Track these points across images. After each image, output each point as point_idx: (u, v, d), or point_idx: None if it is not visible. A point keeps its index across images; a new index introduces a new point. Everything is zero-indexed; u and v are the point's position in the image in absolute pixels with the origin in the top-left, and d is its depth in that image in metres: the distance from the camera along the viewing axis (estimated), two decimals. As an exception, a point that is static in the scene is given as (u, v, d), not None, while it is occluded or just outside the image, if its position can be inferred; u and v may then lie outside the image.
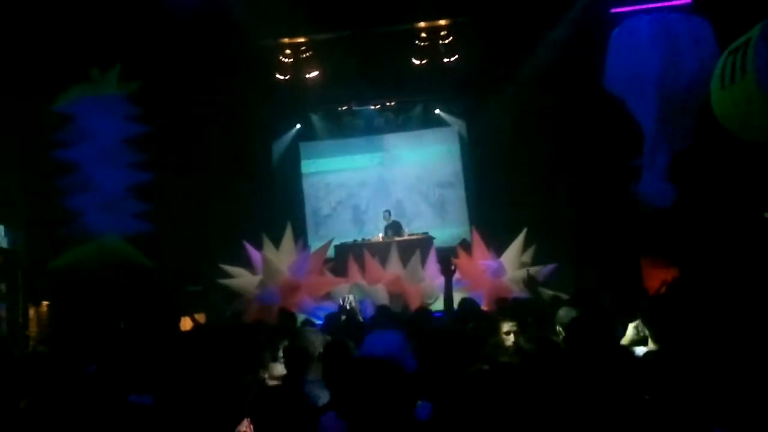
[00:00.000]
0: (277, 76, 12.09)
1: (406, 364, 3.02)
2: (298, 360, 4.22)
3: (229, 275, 10.26)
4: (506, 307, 5.85)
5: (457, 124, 13.46)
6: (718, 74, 7.48)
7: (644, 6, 9.92)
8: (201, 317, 9.04)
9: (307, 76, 12.12)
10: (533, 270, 9.08)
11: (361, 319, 7.11)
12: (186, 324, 8.93)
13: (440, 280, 9.76)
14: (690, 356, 2.89)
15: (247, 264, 10.40)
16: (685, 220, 9.44)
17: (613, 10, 10.21)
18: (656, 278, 8.95)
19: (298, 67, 12.08)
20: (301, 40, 11.98)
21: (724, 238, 9.51)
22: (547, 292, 8.16)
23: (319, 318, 7.73)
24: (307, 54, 12.04)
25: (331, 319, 6.47)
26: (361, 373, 2.46)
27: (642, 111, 8.85)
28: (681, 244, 9.60)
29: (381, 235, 11.40)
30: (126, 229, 9.52)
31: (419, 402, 2.72)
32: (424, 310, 6.45)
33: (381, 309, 6.58)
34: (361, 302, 8.68)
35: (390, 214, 11.87)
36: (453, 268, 5.68)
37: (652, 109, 8.64)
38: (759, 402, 2.54)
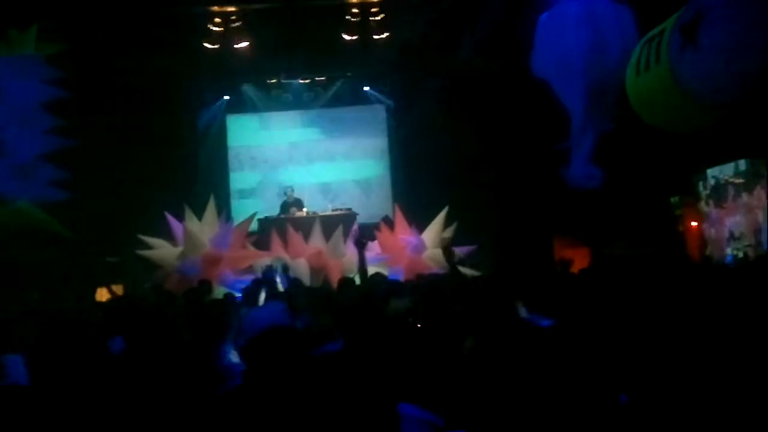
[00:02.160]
0: (206, 44, 11.86)
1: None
2: (212, 327, 4.32)
3: (148, 246, 10.10)
4: (420, 283, 6.01)
5: (385, 102, 13.54)
6: (634, 62, 7.80)
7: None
8: (119, 288, 8.93)
9: (237, 46, 11.92)
10: (448, 238, 9.28)
11: (281, 290, 7.16)
12: (102, 295, 8.82)
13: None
14: (590, 328, 3.08)
15: (168, 236, 10.26)
16: (595, 201, 9.81)
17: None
18: (566, 256, 9.34)
19: (227, 37, 11.85)
20: (232, 9, 11.76)
21: (632, 221, 9.97)
22: (467, 271, 8.39)
23: (239, 291, 7.75)
24: (237, 24, 11.82)
25: (249, 292, 6.51)
26: (255, 347, 2.55)
27: (568, 95, 9.09)
28: (592, 224, 10.00)
29: (302, 209, 11.38)
30: (41, 197, 9.27)
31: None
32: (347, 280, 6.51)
33: (294, 281, 6.66)
34: (281, 275, 8.73)
35: (293, 190, 11.71)
36: (364, 241, 5.80)
37: (577, 94, 8.89)
38: (661, 368, 2.69)
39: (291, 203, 11.46)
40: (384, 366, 2.82)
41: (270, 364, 2.52)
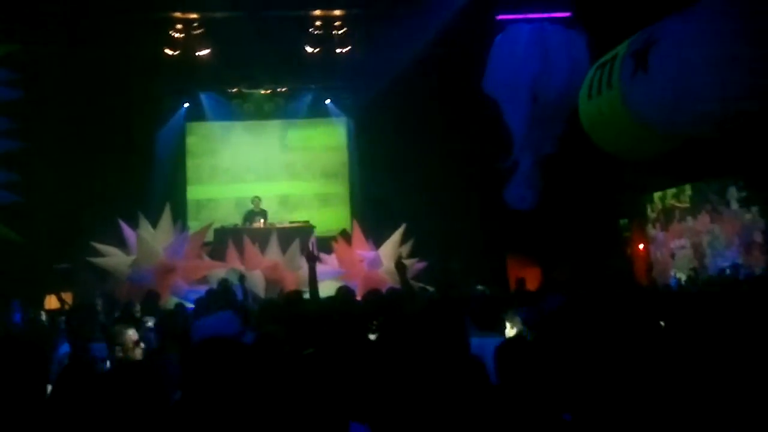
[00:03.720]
0: (166, 51, 11.75)
1: (244, 339, 3.09)
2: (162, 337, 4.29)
3: (101, 254, 9.91)
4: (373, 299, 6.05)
5: (345, 116, 13.60)
6: (586, 86, 7.98)
7: (527, 15, 10.36)
8: (68, 296, 8.74)
9: (198, 54, 11.84)
10: (403, 254, 9.35)
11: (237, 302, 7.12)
12: (51, 303, 8.63)
13: (319, 268, 9.87)
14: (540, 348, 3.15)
15: (121, 244, 10.10)
16: (548, 221, 10.01)
17: (499, 17, 10.61)
18: (519, 275, 9.51)
19: (188, 44, 11.76)
20: (194, 15, 11.69)
21: (583, 241, 10.19)
22: (416, 284, 8.46)
23: (191, 301, 7.67)
24: (199, 31, 11.75)
25: (201, 303, 6.47)
26: (199, 355, 2.54)
27: (513, 116, 9.30)
28: (544, 244, 10.18)
29: (262, 221, 11.34)
30: (-9, 200, 9.05)
31: None
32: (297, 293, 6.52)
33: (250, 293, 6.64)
34: (238, 286, 8.68)
35: (260, 200, 11.71)
36: (317, 254, 5.81)
37: (522, 115, 9.10)
38: (603, 387, 2.77)
39: (256, 213, 11.42)
40: (339, 380, 2.84)
41: (207, 375, 2.50)
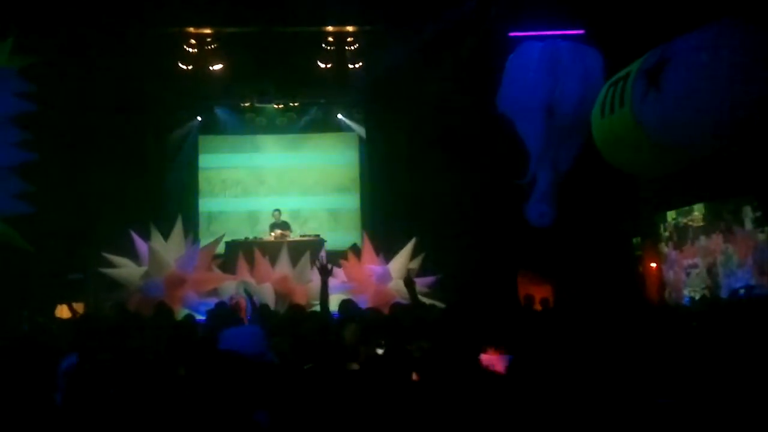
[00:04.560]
0: (180, 65, 11.86)
1: (265, 359, 3.11)
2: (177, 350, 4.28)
3: (112, 265, 9.97)
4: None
5: (357, 131, 13.65)
6: (599, 104, 7.95)
7: (539, 33, 10.38)
8: (79, 307, 8.78)
9: (211, 68, 11.94)
10: (413, 270, 9.35)
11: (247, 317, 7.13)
12: (63, 312, 8.67)
13: (329, 282, 9.86)
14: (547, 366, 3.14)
15: (132, 255, 10.16)
16: (560, 238, 9.96)
17: (511, 34, 10.62)
18: (530, 292, 9.48)
19: (202, 59, 11.86)
20: (208, 31, 11.79)
21: (595, 259, 10.14)
22: (425, 301, 8.44)
23: (202, 313, 7.68)
24: (213, 46, 11.83)
25: (213, 314, 6.47)
26: (220, 367, 2.55)
27: (529, 133, 9.28)
28: (556, 261, 10.14)
29: (272, 234, 11.42)
30: (7, 210, 9.10)
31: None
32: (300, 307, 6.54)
33: (263, 308, 6.65)
34: (247, 299, 8.69)
35: (280, 213, 11.89)
36: (330, 268, 5.83)
37: (536, 132, 9.08)
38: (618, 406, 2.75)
39: (278, 225, 11.50)
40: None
41: (227, 389, 2.51)
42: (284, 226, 11.66)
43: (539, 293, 9.11)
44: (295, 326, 4.69)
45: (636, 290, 10.24)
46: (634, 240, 11.24)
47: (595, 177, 9.61)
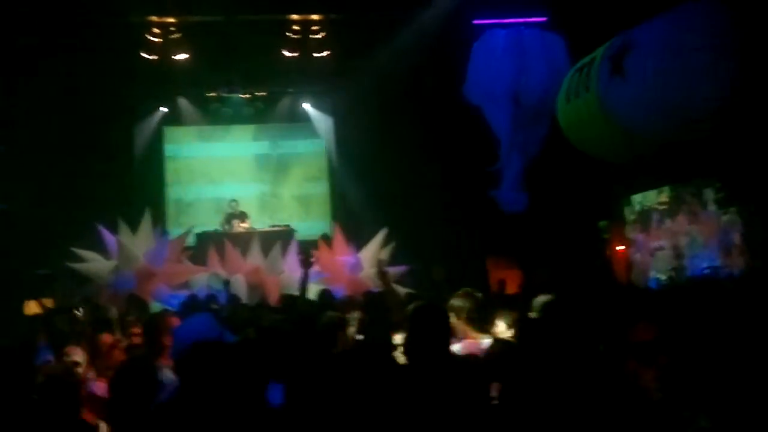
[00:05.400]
0: (144, 55, 11.65)
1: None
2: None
3: (80, 259, 9.84)
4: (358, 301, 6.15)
5: (325, 120, 13.59)
6: (564, 89, 8.05)
7: (503, 20, 10.46)
8: (48, 302, 8.67)
9: (176, 58, 11.74)
10: (383, 260, 9.41)
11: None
12: (31, 308, 8.54)
13: (299, 272, 9.86)
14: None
15: (101, 249, 10.02)
16: (529, 223, 10.08)
17: (475, 22, 10.69)
18: (499, 278, 9.56)
19: (166, 48, 11.64)
20: (171, 20, 11.59)
21: (562, 242, 10.29)
22: (401, 290, 8.51)
23: (173, 306, 7.64)
24: (177, 35, 11.64)
25: (187, 307, 6.46)
26: (191, 357, 2.57)
27: (496, 120, 9.37)
28: (525, 247, 10.27)
29: (243, 225, 11.32)
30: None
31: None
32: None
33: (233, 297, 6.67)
34: (219, 291, 8.67)
35: (237, 203, 11.76)
36: (312, 260, 5.88)
37: (505, 119, 9.17)
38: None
39: (236, 215, 11.40)
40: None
41: (202, 377, 2.53)
42: (241, 216, 11.54)
43: (510, 278, 9.19)
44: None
45: (605, 272, 10.42)
46: (601, 223, 11.42)
47: (559, 162, 9.75)
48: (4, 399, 2.45)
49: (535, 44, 9.32)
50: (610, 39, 7.19)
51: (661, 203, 10.39)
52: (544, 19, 10.71)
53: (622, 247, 11.22)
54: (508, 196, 9.49)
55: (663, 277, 9.89)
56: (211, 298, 7.26)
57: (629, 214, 11.15)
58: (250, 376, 2.65)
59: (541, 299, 4.30)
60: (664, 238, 10.26)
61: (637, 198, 10.97)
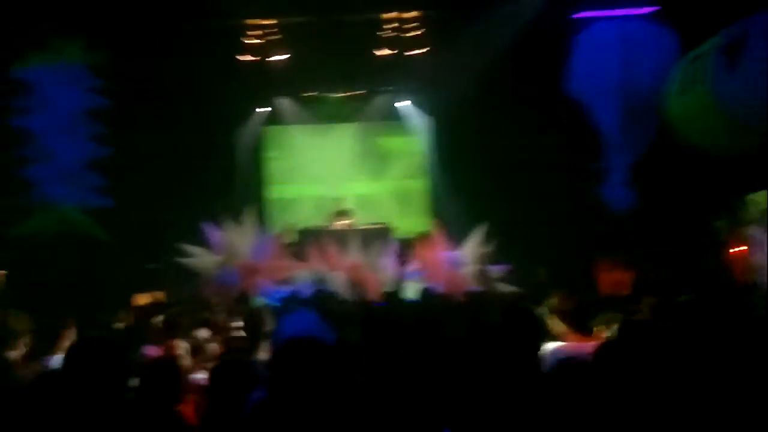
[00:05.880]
0: (243, 57, 11.89)
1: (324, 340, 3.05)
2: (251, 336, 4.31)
3: (188, 255, 10.21)
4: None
5: (424, 118, 13.50)
6: (676, 81, 7.77)
7: (608, 12, 10.07)
8: (160, 295, 9.03)
9: (273, 59, 11.95)
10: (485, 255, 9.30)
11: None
12: (140, 301, 8.89)
13: (397, 269, 9.90)
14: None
15: (206, 245, 10.34)
16: (639, 224, 9.69)
17: (575, 16, 10.34)
18: (610, 281, 9.21)
19: (264, 50, 11.86)
20: (269, 22, 11.80)
21: (675, 243, 9.80)
22: (503, 288, 8.33)
23: (277, 301, 7.74)
24: (275, 37, 11.87)
25: (289, 302, 6.51)
26: (284, 354, 2.49)
27: (603, 116, 9.07)
28: (638, 247, 9.88)
29: (347, 221, 11.42)
30: (85, 202, 9.41)
31: None
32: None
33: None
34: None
35: (342, 200, 11.89)
36: (407, 259, 5.82)
37: (613, 115, 8.86)
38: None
39: (341, 212, 11.52)
40: (430, 388, 2.77)
41: (294, 375, 2.43)
42: (346, 213, 11.63)
43: (618, 279, 8.86)
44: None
45: (722, 274, 9.85)
46: (718, 223, 10.78)
47: (672, 160, 9.35)
48: (101, 387, 2.45)
49: (643, 37, 9.02)
50: (719, 30, 6.96)
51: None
52: (647, 10, 10.24)
53: (741, 248, 10.54)
54: (614, 194, 9.21)
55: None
56: (319, 293, 7.30)
57: (749, 213, 10.48)
58: (346, 377, 2.54)
59: (649, 301, 4.10)
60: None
61: (756, 197, 10.30)
